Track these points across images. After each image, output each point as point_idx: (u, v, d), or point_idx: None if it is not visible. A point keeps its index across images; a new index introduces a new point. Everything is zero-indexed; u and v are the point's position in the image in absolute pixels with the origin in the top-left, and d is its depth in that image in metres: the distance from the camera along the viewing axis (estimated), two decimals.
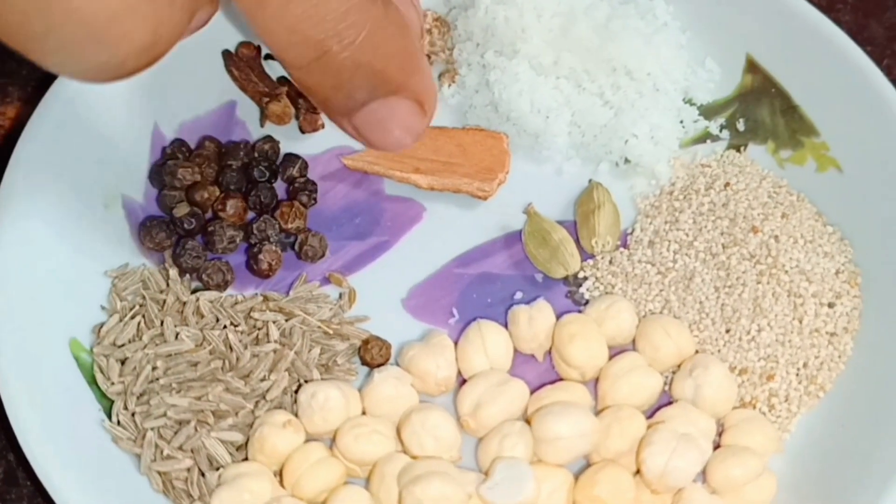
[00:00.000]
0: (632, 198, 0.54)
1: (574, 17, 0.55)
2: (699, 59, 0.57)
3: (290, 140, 0.54)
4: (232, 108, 0.55)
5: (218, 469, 0.46)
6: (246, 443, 0.47)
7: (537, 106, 0.54)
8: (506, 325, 0.50)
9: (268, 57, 0.55)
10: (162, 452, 0.46)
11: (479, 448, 0.48)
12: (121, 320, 0.49)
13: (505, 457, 0.46)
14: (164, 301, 0.50)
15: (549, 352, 0.50)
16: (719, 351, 0.50)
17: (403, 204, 0.54)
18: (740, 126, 0.56)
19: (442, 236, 0.53)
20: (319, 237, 0.52)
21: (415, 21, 0.43)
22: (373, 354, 0.49)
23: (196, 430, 0.47)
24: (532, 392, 0.49)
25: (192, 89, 0.54)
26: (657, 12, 0.56)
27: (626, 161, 0.54)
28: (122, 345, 0.49)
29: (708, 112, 0.56)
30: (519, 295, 0.52)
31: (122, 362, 0.48)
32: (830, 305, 0.50)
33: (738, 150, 0.55)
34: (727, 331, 0.50)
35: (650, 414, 0.49)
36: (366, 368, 0.50)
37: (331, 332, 0.50)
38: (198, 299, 0.49)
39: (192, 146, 0.54)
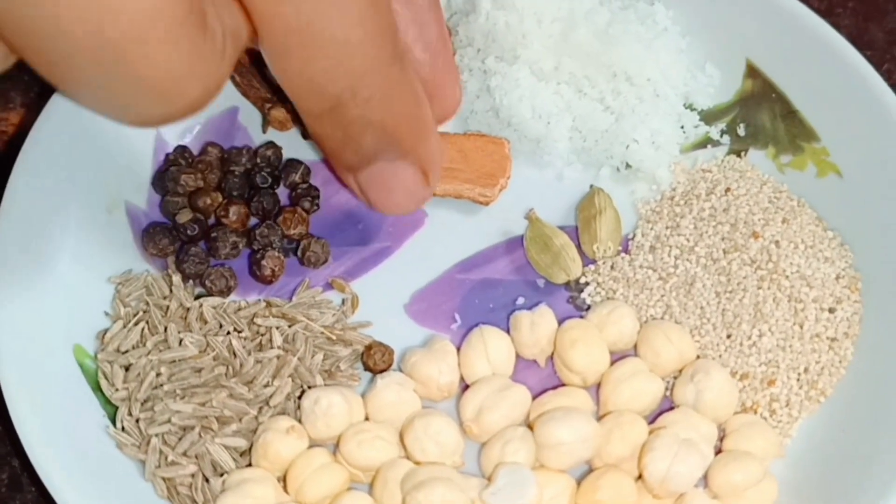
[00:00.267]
0: (633, 203, 0.55)
1: (574, 23, 0.55)
2: (699, 64, 0.57)
3: (293, 146, 0.55)
4: (234, 113, 0.55)
5: (222, 475, 0.47)
6: (250, 448, 0.47)
7: (538, 111, 0.54)
8: (508, 331, 0.51)
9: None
10: (166, 458, 0.47)
11: (481, 453, 0.48)
12: (124, 326, 0.49)
13: (507, 462, 0.47)
14: (168, 307, 0.50)
15: (551, 357, 0.51)
16: (720, 356, 0.50)
17: None
18: (741, 131, 0.56)
19: (444, 242, 0.53)
20: (322, 243, 0.52)
21: (455, 99, 0.46)
22: (375, 360, 0.50)
23: (200, 435, 0.47)
24: (534, 397, 0.49)
25: None
26: (657, 17, 0.56)
27: (627, 166, 0.55)
28: (126, 351, 0.49)
29: (708, 117, 0.56)
30: (521, 300, 0.52)
31: (127, 368, 0.48)
32: (831, 311, 0.51)
33: (739, 156, 0.55)
34: (728, 336, 0.50)
35: (652, 419, 0.49)
36: (368, 374, 0.50)
37: (334, 337, 0.50)
38: (201, 305, 0.50)
39: (195, 152, 0.54)
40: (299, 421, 0.48)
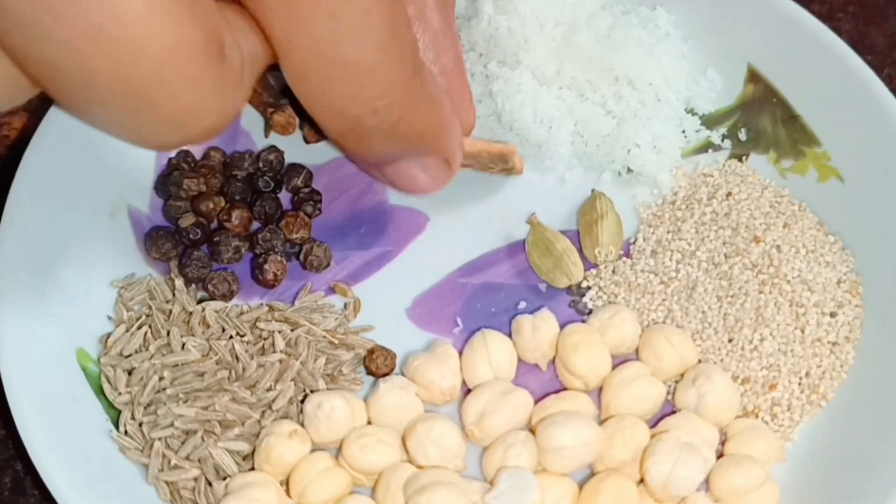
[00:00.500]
0: (634, 207, 0.55)
1: (576, 27, 0.55)
2: (701, 68, 0.57)
3: (295, 150, 0.55)
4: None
5: (225, 479, 0.47)
6: (252, 452, 0.47)
7: (540, 116, 0.54)
8: (510, 335, 0.51)
9: (272, 67, 0.55)
10: (169, 462, 0.47)
11: (483, 457, 0.48)
12: (127, 330, 0.49)
13: (509, 466, 0.47)
14: (171, 311, 0.50)
15: (553, 361, 0.51)
16: (722, 360, 0.50)
17: (407, 214, 0.54)
18: (742, 136, 0.56)
19: (446, 246, 0.53)
20: (324, 247, 0.52)
21: (470, 120, 0.47)
22: (378, 364, 0.50)
23: (203, 440, 0.47)
24: (536, 401, 0.49)
25: None
26: (659, 22, 0.56)
27: (629, 170, 0.55)
28: (129, 355, 0.49)
29: (710, 122, 0.56)
30: (522, 304, 0.52)
31: (129, 373, 0.49)
32: (832, 315, 0.51)
33: (740, 160, 0.55)
34: (730, 340, 0.50)
35: (653, 423, 0.49)
36: (371, 378, 0.50)
37: (336, 341, 0.50)
38: (204, 309, 0.50)
39: (198, 157, 0.54)
40: (302, 425, 0.48)
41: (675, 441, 0.47)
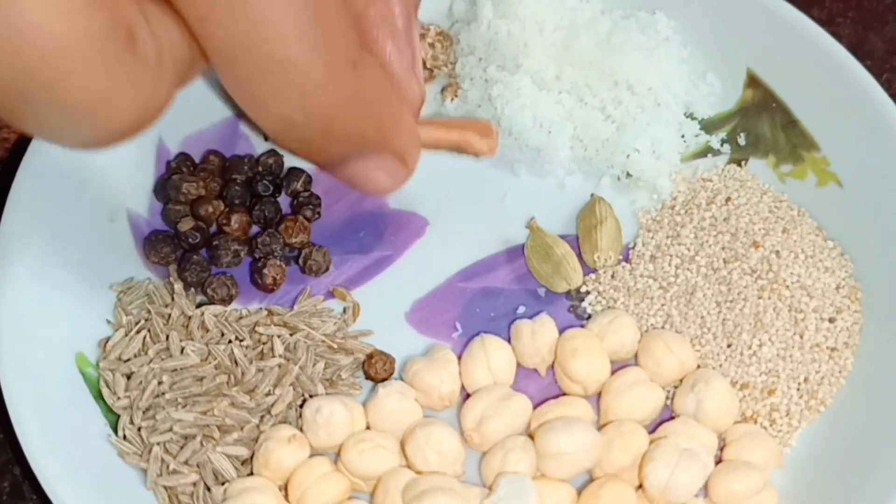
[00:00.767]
0: (634, 212, 0.55)
1: (576, 32, 0.55)
2: (700, 73, 0.57)
3: (294, 154, 0.54)
4: (236, 122, 0.55)
5: (223, 484, 0.47)
6: (251, 457, 0.47)
7: (539, 120, 0.54)
8: (509, 340, 0.51)
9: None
10: (168, 467, 0.47)
11: (482, 463, 0.48)
12: (126, 335, 0.49)
13: (508, 472, 0.47)
14: (170, 315, 0.50)
15: (552, 366, 0.51)
16: (721, 366, 0.50)
17: (407, 218, 0.54)
18: (741, 140, 0.56)
19: (445, 250, 0.53)
20: (323, 251, 0.52)
21: (414, 93, 0.43)
22: (377, 369, 0.50)
23: (202, 444, 0.47)
24: (535, 407, 0.49)
25: (196, 103, 0.54)
26: (658, 27, 0.56)
27: (628, 175, 0.55)
28: (128, 359, 0.49)
29: (709, 126, 0.56)
30: (522, 309, 0.52)
31: (128, 377, 0.48)
32: (831, 320, 0.51)
33: (740, 165, 0.55)
34: (728, 346, 0.50)
35: (652, 429, 0.49)
36: (370, 383, 0.50)
37: (335, 346, 0.50)
38: (203, 314, 0.50)
39: (197, 160, 0.54)
40: (301, 430, 0.48)
41: (674, 447, 0.47)
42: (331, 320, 0.51)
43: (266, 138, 0.55)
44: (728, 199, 0.54)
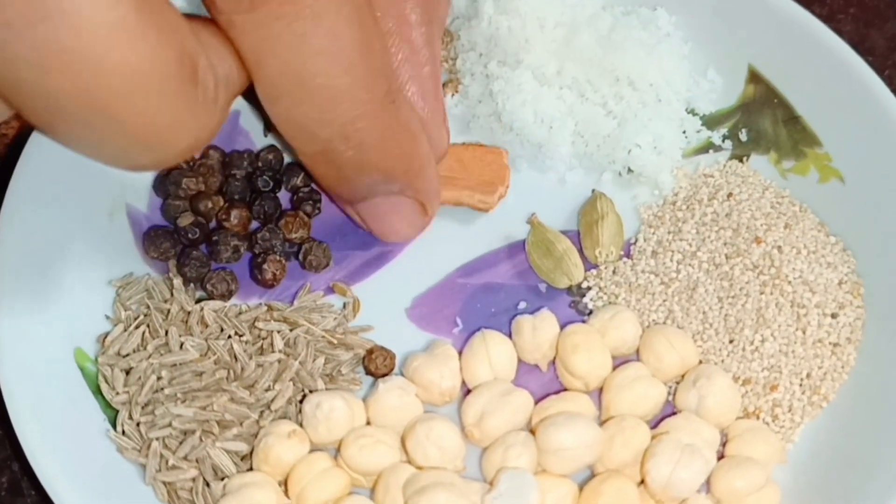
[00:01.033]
0: (635, 208, 0.54)
1: (577, 28, 0.55)
2: (701, 69, 0.57)
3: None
4: (235, 117, 0.55)
5: (223, 479, 0.46)
6: (251, 453, 0.47)
7: (540, 116, 0.54)
8: (510, 335, 0.51)
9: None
10: (167, 462, 0.47)
11: (483, 458, 0.48)
12: (125, 330, 0.49)
13: (509, 467, 0.46)
14: (169, 311, 0.50)
15: (553, 362, 0.50)
16: (723, 361, 0.50)
17: None
18: (743, 136, 0.56)
19: (445, 246, 0.53)
20: (323, 247, 0.52)
21: (442, 142, 0.44)
22: (377, 364, 0.49)
23: (201, 440, 0.47)
24: (536, 402, 0.49)
25: None
26: (659, 23, 0.56)
27: (630, 171, 0.55)
28: (127, 355, 0.49)
29: (710, 122, 0.56)
30: (523, 305, 0.52)
31: (127, 372, 0.48)
32: (833, 316, 0.51)
33: (741, 161, 0.55)
34: (730, 341, 0.50)
35: (654, 424, 0.49)
36: (370, 378, 0.50)
37: (335, 341, 0.50)
38: (202, 309, 0.49)
39: (196, 156, 0.54)
40: (300, 425, 0.48)
41: (676, 442, 0.47)
42: (331, 316, 0.51)
43: (266, 134, 0.55)
44: (730, 194, 0.54)
